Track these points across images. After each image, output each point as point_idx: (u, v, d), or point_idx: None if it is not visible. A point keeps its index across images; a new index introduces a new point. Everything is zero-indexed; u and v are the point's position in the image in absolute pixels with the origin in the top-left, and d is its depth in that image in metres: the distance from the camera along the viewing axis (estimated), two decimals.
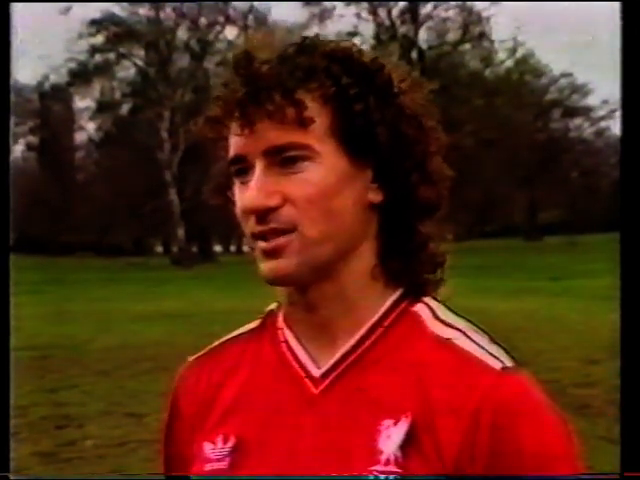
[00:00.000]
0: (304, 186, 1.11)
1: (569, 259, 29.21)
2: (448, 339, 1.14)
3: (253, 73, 1.12)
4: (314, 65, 1.13)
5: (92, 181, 51.05)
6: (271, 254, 1.12)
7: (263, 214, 1.12)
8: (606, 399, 6.73)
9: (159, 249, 55.33)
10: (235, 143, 1.14)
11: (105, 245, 48.04)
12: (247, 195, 1.12)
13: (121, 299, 20.13)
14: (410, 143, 1.15)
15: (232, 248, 57.38)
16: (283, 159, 1.12)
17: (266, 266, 1.13)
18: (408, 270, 1.18)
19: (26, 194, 36.99)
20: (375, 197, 1.16)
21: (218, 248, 53.36)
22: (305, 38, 1.17)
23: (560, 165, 46.67)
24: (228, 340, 1.29)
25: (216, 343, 1.30)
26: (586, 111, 49.42)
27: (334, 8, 43.29)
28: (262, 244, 1.13)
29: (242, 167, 1.14)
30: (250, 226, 1.14)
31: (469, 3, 43.81)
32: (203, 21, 44.58)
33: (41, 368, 10.56)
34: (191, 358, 1.31)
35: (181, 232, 40.37)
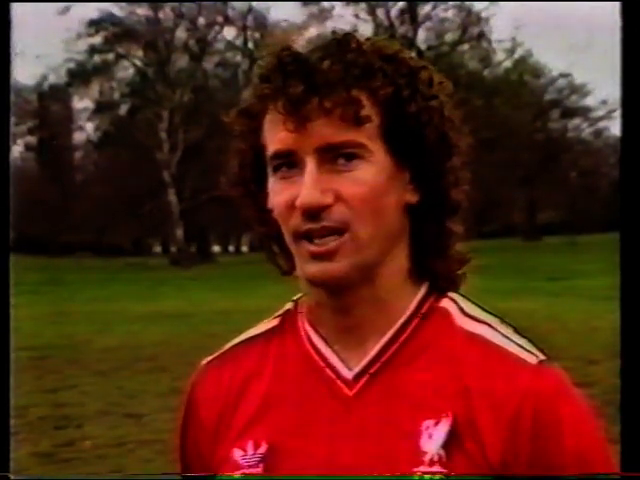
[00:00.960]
0: (357, 185, 1.10)
1: (568, 259, 29.19)
2: (480, 335, 1.13)
3: (312, 69, 1.11)
4: (370, 64, 1.12)
5: (91, 181, 50.96)
6: (322, 257, 1.11)
7: (316, 212, 1.10)
8: (605, 399, 6.72)
9: (158, 249, 55.28)
10: (283, 138, 1.12)
11: (104, 245, 47.98)
12: (302, 192, 1.10)
13: (120, 299, 20.12)
14: (451, 145, 1.16)
15: (231, 248, 57.33)
16: (336, 156, 1.10)
17: (315, 268, 1.11)
18: (438, 269, 1.18)
19: (25, 194, 36.94)
20: (412, 198, 1.16)
21: (217, 248, 53.32)
22: (347, 34, 1.16)
23: (559, 165, 46.64)
24: (244, 341, 1.26)
25: (231, 344, 1.27)
26: (585, 111, 49.36)
27: (333, 8, 43.28)
28: (311, 247, 1.11)
29: (287, 162, 1.12)
30: (295, 224, 1.12)
31: (468, 3, 43.79)
32: (202, 21, 44.52)
33: (40, 368, 10.55)
34: (205, 361, 1.28)
35: (180, 232, 40.32)
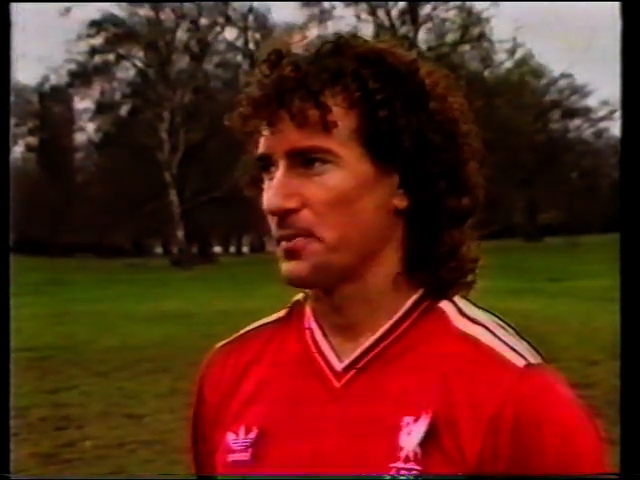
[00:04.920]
0: (323, 190, 1.11)
1: (569, 260, 29.21)
2: (471, 335, 1.13)
3: (278, 74, 1.12)
4: (342, 67, 1.11)
5: (92, 182, 50.98)
6: (290, 255, 1.12)
7: (282, 216, 1.11)
8: (606, 400, 6.73)
9: (159, 250, 55.31)
10: (262, 141, 1.14)
11: (105, 246, 48.02)
12: (267, 196, 1.12)
13: (121, 300, 20.13)
14: (437, 150, 1.13)
15: (232, 249, 57.35)
16: (305, 161, 1.11)
17: (284, 267, 1.13)
18: (433, 277, 1.17)
19: (25, 195, 36.96)
20: (400, 203, 1.14)
21: (218, 249, 53.34)
22: (340, 37, 1.15)
23: (560, 166, 46.64)
24: (254, 328, 1.29)
25: (243, 331, 1.30)
26: (586, 112, 49.39)
27: (333, 9, 43.32)
28: (282, 243, 1.13)
29: (269, 164, 1.14)
30: (273, 227, 1.14)
31: (468, 4, 43.82)
32: (203, 22, 44.58)
33: (41, 369, 10.57)
34: (218, 345, 1.31)
35: (181, 233, 40.34)
